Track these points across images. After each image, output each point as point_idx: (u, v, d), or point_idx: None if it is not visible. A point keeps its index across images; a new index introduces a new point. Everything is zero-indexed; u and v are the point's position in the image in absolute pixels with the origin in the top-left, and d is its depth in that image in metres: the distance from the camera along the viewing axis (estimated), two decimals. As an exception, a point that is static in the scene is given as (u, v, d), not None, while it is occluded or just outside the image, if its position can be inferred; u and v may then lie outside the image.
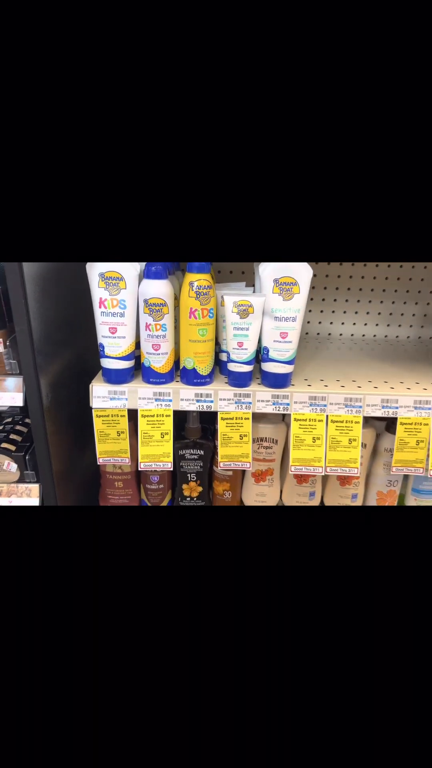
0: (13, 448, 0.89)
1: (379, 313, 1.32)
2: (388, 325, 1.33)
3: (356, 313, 1.32)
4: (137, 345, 0.91)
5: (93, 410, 0.91)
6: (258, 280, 0.89)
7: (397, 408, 0.92)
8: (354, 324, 1.33)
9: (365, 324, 1.33)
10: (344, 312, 1.32)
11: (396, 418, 0.92)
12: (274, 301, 0.85)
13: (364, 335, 1.35)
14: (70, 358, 1.00)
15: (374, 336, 1.34)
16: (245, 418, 0.93)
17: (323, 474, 0.95)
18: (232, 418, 0.93)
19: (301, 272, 0.85)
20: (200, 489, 1.06)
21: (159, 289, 0.84)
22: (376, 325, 1.33)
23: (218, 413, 0.92)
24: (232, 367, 0.90)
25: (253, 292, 0.93)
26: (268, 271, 0.84)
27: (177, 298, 0.90)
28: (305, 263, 0.85)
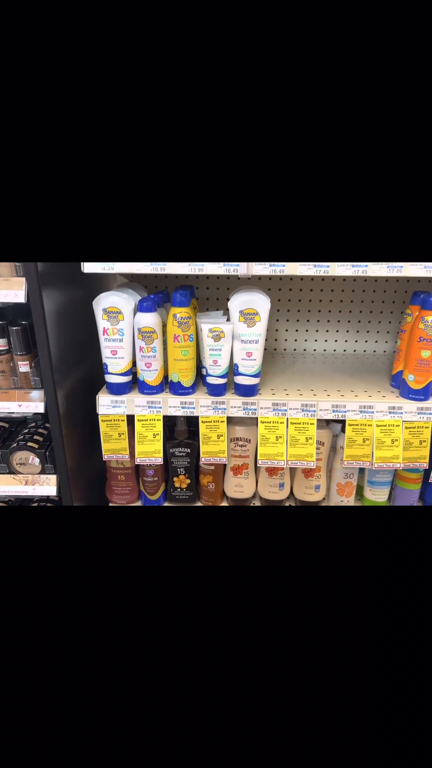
0: (36, 446, 1.13)
1: (347, 331, 1.52)
2: (356, 341, 1.53)
3: (327, 331, 1.52)
4: (134, 363, 1.14)
5: (99, 416, 1.14)
6: (229, 311, 1.11)
7: (345, 412, 1.12)
8: (326, 341, 1.53)
9: (335, 340, 1.53)
10: (316, 330, 1.52)
11: (344, 421, 1.12)
12: (240, 327, 1.07)
13: (334, 350, 1.54)
14: (81, 374, 1.24)
15: (344, 351, 1.54)
16: (221, 421, 1.14)
17: (285, 466, 1.15)
18: (210, 421, 1.14)
19: (262, 304, 1.06)
20: (188, 481, 1.27)
21: (149, 320, 1.07)
22: (345, 341, 1.53)
23: (199, 417, 1.14)
24: (209, 380, 1.12)
25: (227, 320, 1.15)
26: (235, 304, 1.07)
27: (165, 326, 1.12)
28: (266, 297, 1.07)
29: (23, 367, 1.04)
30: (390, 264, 0.97)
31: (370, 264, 0.97)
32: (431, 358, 1.05)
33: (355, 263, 0.97)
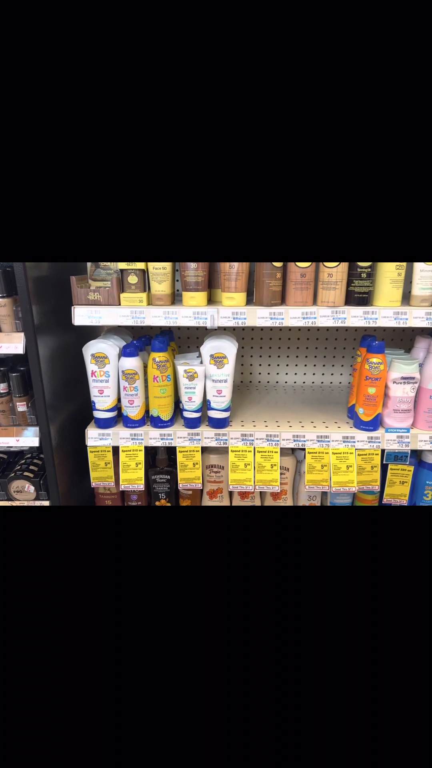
0: (31, 475, 1.27)
1: (315, 365, 1.68)
2: (323, 374, 1.70)
3: (296, 365, 1.68)
4: (119, 400, 1.29)
5: (88, 447, 1.29)
6: (201, 354, 1.28)
7: (305, 441, 1.27)
8: (295, 374, 1.70)
9: (304, 373, 1.70)
10: (287, 365, 1.69)
11: (305, 449, 1.27)
12: (211, 369, 1.23)
13: (303, 382, 1.71)
14: (72, 408, 1.39)
15: (312, 383, 1.70)
16: (196, 451, 1.29)
17: (254, 491, 1.29)
18: (187, 451, 1.29)
19: (230, 349, 1.23)
20: (169, 504, 1.41)
21: (132, 363, 1.23)
22: (313, 374, 1.70)
23: (177, 447, 1.29)
24: (185, 414, 1.28)
25: (200, 362, 1.31)
26: (206, 349, 1.23)
27: (146, 367, 1.28)
28: (233, 343, 1.23)
29: (21, 406, 1.19)
30: (335, 316, 1.14)
31: (318, 317, 1.14)
32: (377, 394, 1.22)
33: (305, 316, 1.14)
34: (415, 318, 1.13)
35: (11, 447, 1.17)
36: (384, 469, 1.29)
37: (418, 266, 1.12)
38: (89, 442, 1.28)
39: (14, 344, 1.06)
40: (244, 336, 1.64)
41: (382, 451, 1.27)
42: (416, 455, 1.34)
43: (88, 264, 1.21)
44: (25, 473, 1.26)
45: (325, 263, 1.11)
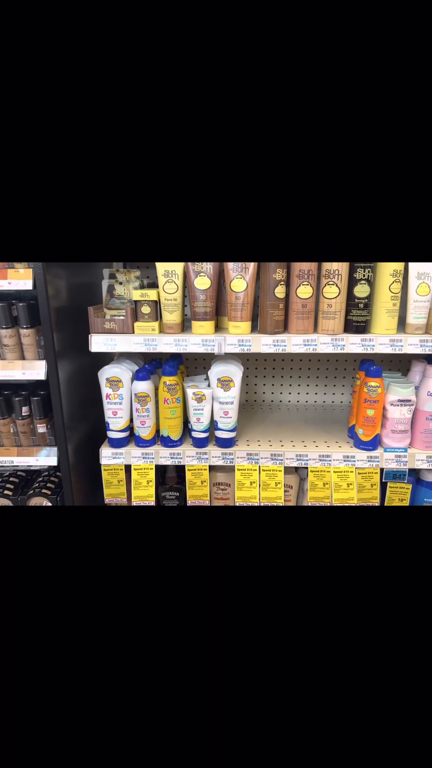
0: (49, 492, 1.34)
1: (317, 385, 1.76)
2: (324, 394, 1.77)
3: (299, 385, 1.76)
4: (131, 421, 1.37)
5: (102, 466, 1.36)
6: (209, 378, 1.35)
7: (307, 460, 1.34)
8: (298, 393, 1.77)
9: (306, 393, 1.77)
10: (290, 385, 1.76)
11: (307, 468, 1.34)
12: (218, 392, 1.31)
13: (306, 402, 1.78)
14: (86, 428, 1.46)
15: (314, 402, 1.78)
16: (204, 469, 1.36)
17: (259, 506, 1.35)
18: (195, 469, 1.36)
19: (236, 372, 1.30)
20: (178, 521, 1.48)
21: (144, 386, 1.31)
22: (315, 393, 1.77)
23: (186, 466, 1.36)
24: (194, 434, 1.35)
25: (208, 385, 1.39)
26: (214, 372, 1.31)
27: (157, 389, 1.36)
28: (239, 367, 1.31)
29: (41, 428, 1.27)
30: (335, 343, 1.22)
31: (319, 344, 1.21)
32: (375, 416, 1.28)
33: (306, 343, 1.22)
34: (410, 345, 1.21)
35: (31, 466, 1.25)
36: (383, 487, 1.35)
37: (412, 297, 1.20)
38: (103, 461, 1.35)
39: (36, 371, 1.14)
40: (249, 358, 1.72)
41: (381, 469, 1.33)
42: (414, 474, 1.40)
43: (104, 293, 1.30)
44: (43, 490, 1.33)
45: (325, 294, 1.19)
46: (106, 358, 1.55)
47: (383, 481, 1.34)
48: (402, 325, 1.29)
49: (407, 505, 1.36)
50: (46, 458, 1.25)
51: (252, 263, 1.18)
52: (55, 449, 1.26)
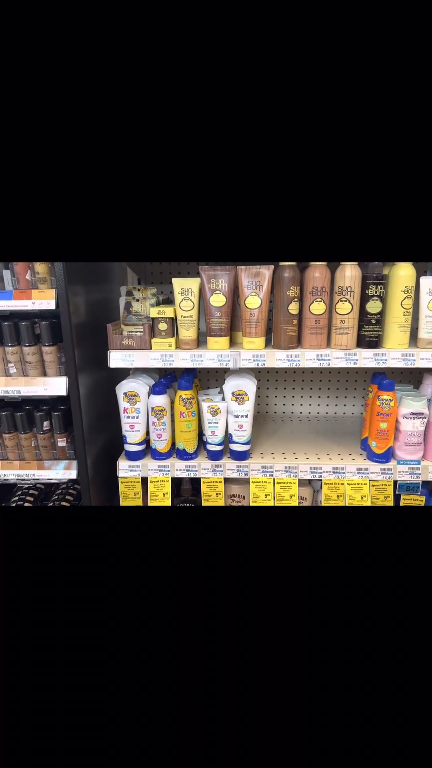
0: (68, 504, 1.37)
1: (328, 397, 1.78)
2: (336, 405, 1.79)
3: (310, 396, 1.78)
4: (147, 434, 1.40)
5: (119, 478, 1.39)
6: (223, 392, 1.38)
7: (321, 473, 1.36)
8: (310, 405, 1.79)
9: (318, 405, 1.79)
10: (301, 396, 1.78)
11: (321, 480, 1.35)
12: (232, 405, 1.34)
13: (318, 413, 1.80)
14: (103, 442, 1.50)
15: (326, 414, 1.80)
16: (219, 482, 1.38)
17: (274, 519, 1.37)
18: (210, 482, 1.38)
19: (250, 386, 1.33)
20: (193, 532, 1.50)
21: (160, 400, 1.34)
22: (327, 405, 1.79)
23: (201, 479, 1.38)
24: (209, 447, 1.38)
25: (222, 399, 1.41)
26: (228, 386, 1.34)
27: (173, 403, 1.39)
28: (253, 381, 1.34)
29: (61, 442, 1.30)
30: (348, 357, 1.24)
31: (332, 359, 1.24)
32: (388, 429, 1.30)
33: (320, 358, 1.24)
34: (423, 359, 1.23)
35: (51, 479, 1.28)
36: (397, 499, 1.36)
37: (424, 312, 1.22)
38: (120, 474, 1.38)
39: (57, 386, 1.18)
40: (261, 371, 1.75)
41: (395, 482, 1.34)
42: (427, 486, 1.41)
43: (121, 310, 1.34)
44: (62, 503, 1.36)
45: (338, 310, 1.22)
46: (122, 373, 1.59)
47: (396, 493, 1.35)
48: (414, 339, 1.31)
49: (421, 517, 1.37)
50: (66, 471, 1.28)
51: (266, 281, 1.21)
52: (74, 462, 1.30)
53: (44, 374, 1.25)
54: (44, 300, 1.13)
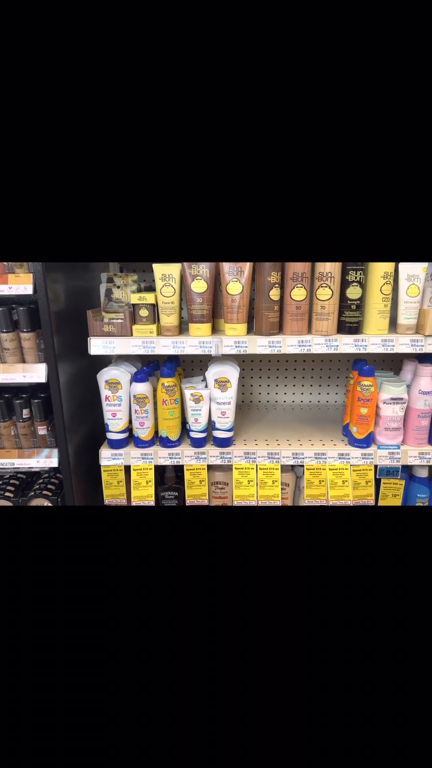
0: (50, 494, 1.36)
1: (311, 385, 1.79)
2: (318, 393, 1.80)
3: (294, 385, 1.79)
4: (130, 422, 1.39)
5: (101, 467, 1.38)
6: (206, 379, 1.38)
7: (303, 458, 1.37)
8: (293, 393, 1.80)
9: (301, 393, 1.80)
10: (285, 385, 1.79)
11: (303, 465, 1.37)
12: (215, 392, 1.34)
13: (301, 401, 1.81)
14: (85, 431, 1.48)
15: (309, 402, 1.81)
16: (202, 469, 1.38)
17: (257, 505, 1.38)
18: (194, 469, 1.38)
19: (232, 373, 1.33)
20: (177, 520, 1.50)
21: (143, 388, 1.33)
22: (310, 393, 1.80)
23: (184, 466, 1.38)
24: (192, 434, 1.37)
25: (205, 386, 1.41)
26: (211, 373, 1.33)
27: (155, 391, 1.39)
28: (236, 368, 1.34)
29: (42, 430, 1.29)
30: (329, 344, 1.25)
31: (313, 345, 1.25)
32: (369, 414, 1.32)
33: (301, 344, 1.25)
34: (402, 345, 1.24)
35: (32, 468, 1.27)
36: (378, 483, 1.39)
37: (403, 298, 1.24)
38: (103, 462, 1.37)
39: (37, 374, 1.16)
40: (245, 359, 1.75)
41: (375, 466, 1.37)
42: (407, 470, 1.44)
43: (102, 297, 1.33)
44: (44, 492, 1.35)
45: (318, 296, 1.22)
46: (104, 361, 1.58)
47: (377, 477, 1.37)
48: (393, 325, 1.32)
49: (400, 500, 1.40)
50: (47, 460, 1.27)
51: (247, 267, 1.21)
52: (55, 451, 1.28)
53: (23, 361, 1.23)
54: (21, 285, 1.10)
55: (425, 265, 1.22)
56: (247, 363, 1.76)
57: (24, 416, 1.27)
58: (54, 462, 1.28)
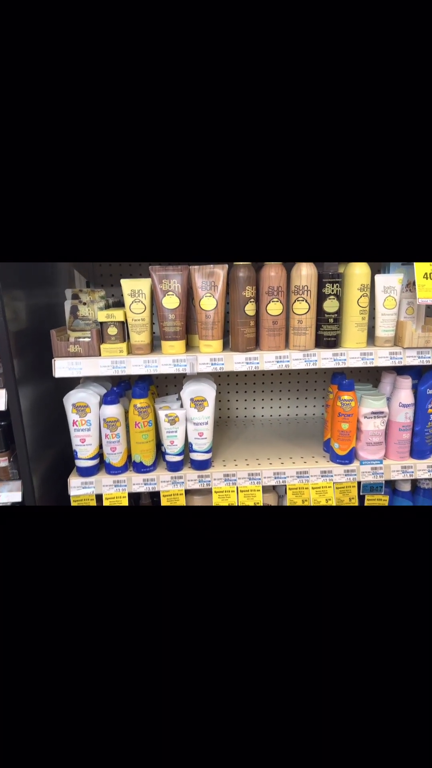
0: (13, 530, 1.24)
1: (289, 399, 1.75)
2: (296, 407, 1.76)
3: (271, 399, 1.75)
4: (100, 447, 1.30)
5: (70, 497, 1.28)
6: (181, 398, 1.31)
7: (285, 478, 1.31)
8: (271, 408, 1.76)
9: (279, 407, 1.76)
10: (262, 399, 1.75)
11: (285, 485, 1.31)
12: (191, 412, 1.27)
13: (280, 416, 1.77)
14: (53, 458, 1.38)
15: (287, 416, 1.77)
16: (180, 494, 1.30)
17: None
18: (170, 494, 1.30)
19: (209, 392, 1.27)
20: (155, 548, 1.41)
21: (113, 410, 1.24)
22: (288, 407, 1.76)
23: (161, 492, 1.30)
24: (168, 457, 1.30)
25: (181, 406, 1.34)
26: (186, 392, 1.26)
27: (127, 412, 1.30)
28: (212, 386, 1.28)
29: (2, 462, 1.18)
30: (307, 358, 1.21)
31: (291, 360, 1.20)
32: (350, 429, 1.28)
33: (279, 359, 1.20)
34: (381, 358, 1.22)
35: (-8, 503, 1.15)
36: (361, 500, 1.35)
37: (380, 310, 1.21)
38: (72, 492, 1.27)
39: (-5, 401, 1.06)
40: (220, 375, 1.69)
41: (359, 483, 1.33)
42: (390, 485, 1.41)
43: (67, 314, 1.24)
44: (7, 528, 1.23)
45: (295, 310, 1.18)
46: (70, 382, 1.48)
47: (361, 494, 1.34)
48: (371, 338, 1.30)
49: (385, 516, 1.36)
50: (9, 494, 1.16)
51: (221, 281, 1.15)
52: (19, 483, 1.18)
53: (-21, 387, 1.12)
54: (-25, 305, 1.00)
55: (400, 276, 1.21)
56: (223, 378, 1.70)
57: (-18, 447, 1.16)
58: (18, 496, 1.17)
